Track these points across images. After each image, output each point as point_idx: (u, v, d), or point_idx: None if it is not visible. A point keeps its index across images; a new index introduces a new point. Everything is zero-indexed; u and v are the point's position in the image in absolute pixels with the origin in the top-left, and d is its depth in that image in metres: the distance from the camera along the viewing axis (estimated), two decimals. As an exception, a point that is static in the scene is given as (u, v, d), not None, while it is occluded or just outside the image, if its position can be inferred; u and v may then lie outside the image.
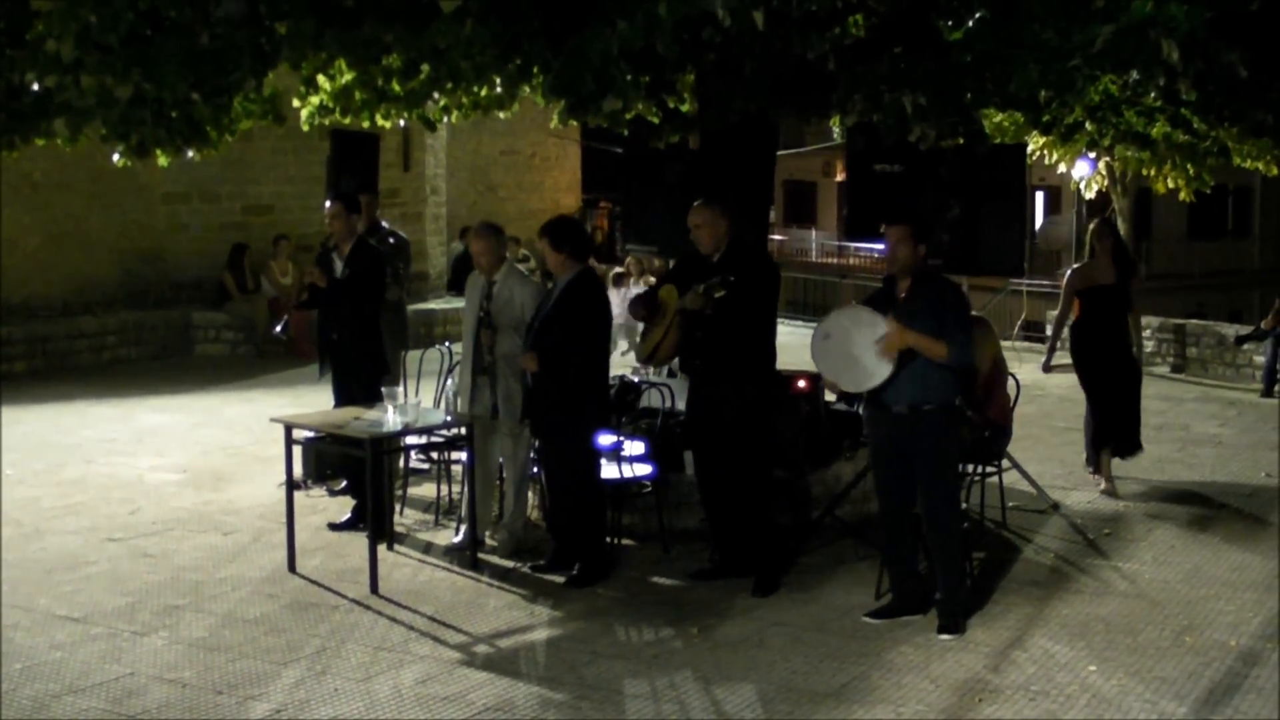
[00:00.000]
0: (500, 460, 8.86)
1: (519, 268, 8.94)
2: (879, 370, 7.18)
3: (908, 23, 8.30)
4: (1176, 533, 9.28)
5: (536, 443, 8.68)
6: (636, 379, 9.54)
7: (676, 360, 8.62)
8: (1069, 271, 11.08)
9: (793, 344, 16.87)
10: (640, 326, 8.82)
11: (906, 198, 8.85)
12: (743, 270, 7.80)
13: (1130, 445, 10.71)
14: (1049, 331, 19.92)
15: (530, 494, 9.38)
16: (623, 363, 15.12)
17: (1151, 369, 17.90)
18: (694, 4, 6.61)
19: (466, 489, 8.74)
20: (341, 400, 9.41)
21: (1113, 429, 10.55)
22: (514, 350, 8.47)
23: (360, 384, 9.12)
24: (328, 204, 9.59)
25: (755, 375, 7.98)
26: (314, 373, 9.96)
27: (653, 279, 17.28)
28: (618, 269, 20.23)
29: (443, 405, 9.31)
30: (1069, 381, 16.70)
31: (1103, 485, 10.42)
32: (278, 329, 13.00)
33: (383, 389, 8.31)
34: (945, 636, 7.20)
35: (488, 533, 8.86)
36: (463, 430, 8.66)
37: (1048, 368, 11.70)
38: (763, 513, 8.09)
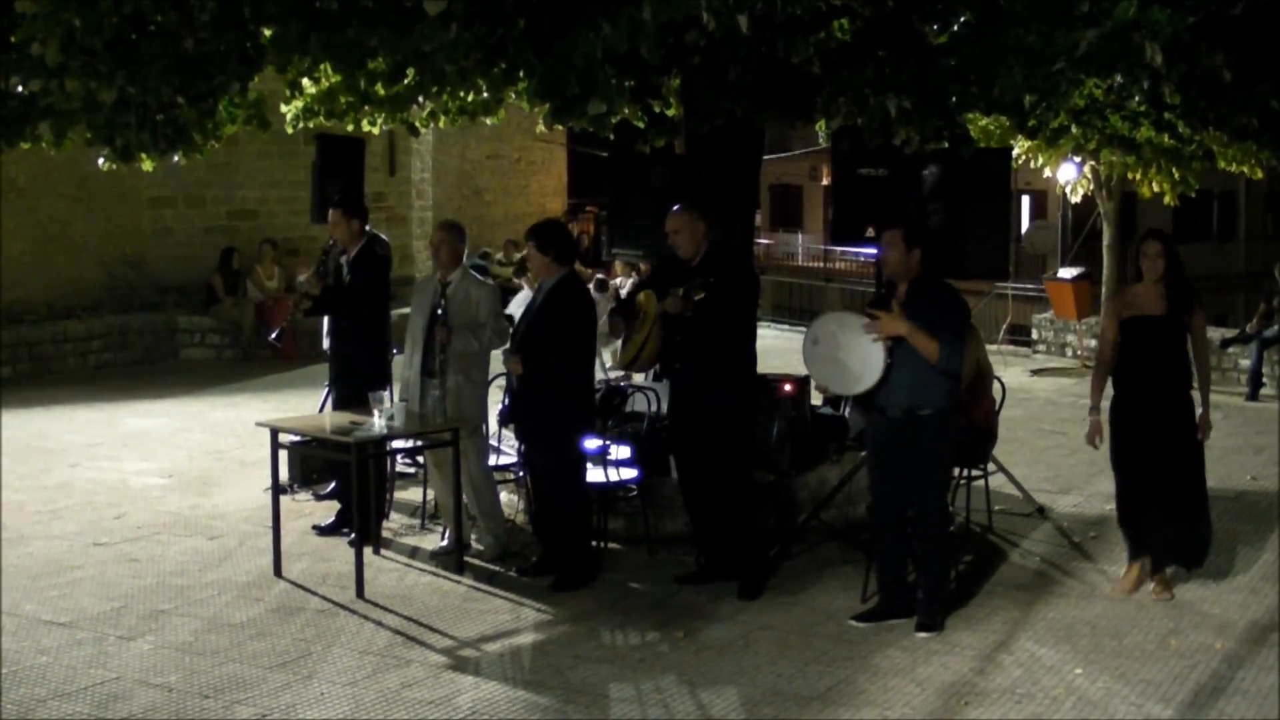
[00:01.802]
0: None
1: (471, 271, 8.97)
2: (869, 373, 7.22)
3: (892, 27, 8.32)
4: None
5: (521, 446, 8.70)
6: (623, 383, 9.54)
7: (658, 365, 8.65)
8: (1106, 299, 8.95)
9: (778, 347, 16.87)
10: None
11: (892, 201, 8.87)
12: (722, 274, 7.82)
13: (1189, 550, 8.06)
14: (1034, 335, 20.17)
15: (516, 497, 9.39)
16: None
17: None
18: (678, 8, 6.62)
19: (439, 494, 8.78)
20: (339, 405, 9.41)
21: (1150, 526, 7.97)
22: (466, 349, 8.52)
23: (360, 390, 9.10)
24: (329, 211, 9.62)
25: (735, 378, 7.99)
26: (299, 376, 9.96)
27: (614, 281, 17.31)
28: (599, 275, 20.24)
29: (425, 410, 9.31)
30: (1055, 385, 16.82)
31: (1153, 590, 7.97)
32: (273, 336, 12.99)
33: (369, 394, 8.31)
34: (922, 634, 7.26)
35: (473, 536, 8.86)
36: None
37: (1095, 416, 8.12)
38: (745, 516, 8.10)
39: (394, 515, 9.74)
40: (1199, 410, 7.85)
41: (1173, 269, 7.91)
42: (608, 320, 8.65)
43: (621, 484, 8.77)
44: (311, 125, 10.54)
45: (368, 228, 9.66)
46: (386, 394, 8.69)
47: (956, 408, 7.57)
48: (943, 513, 7.57)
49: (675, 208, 8.08)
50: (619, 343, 8.54)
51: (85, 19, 7.19)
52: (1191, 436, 7.87)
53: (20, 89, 7.81)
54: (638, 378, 9.53)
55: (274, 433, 8.48)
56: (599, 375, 9.82)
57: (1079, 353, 18.46)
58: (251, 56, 7.84)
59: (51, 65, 7.32)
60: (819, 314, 8.43)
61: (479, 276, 9.05)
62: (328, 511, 9.59)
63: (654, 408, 8.87)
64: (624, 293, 10.87)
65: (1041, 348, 19.72)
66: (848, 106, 8.23)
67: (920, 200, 8.91)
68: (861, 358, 7.22)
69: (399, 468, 10.20)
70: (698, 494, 8.20)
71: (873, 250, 9.68)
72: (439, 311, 8.61)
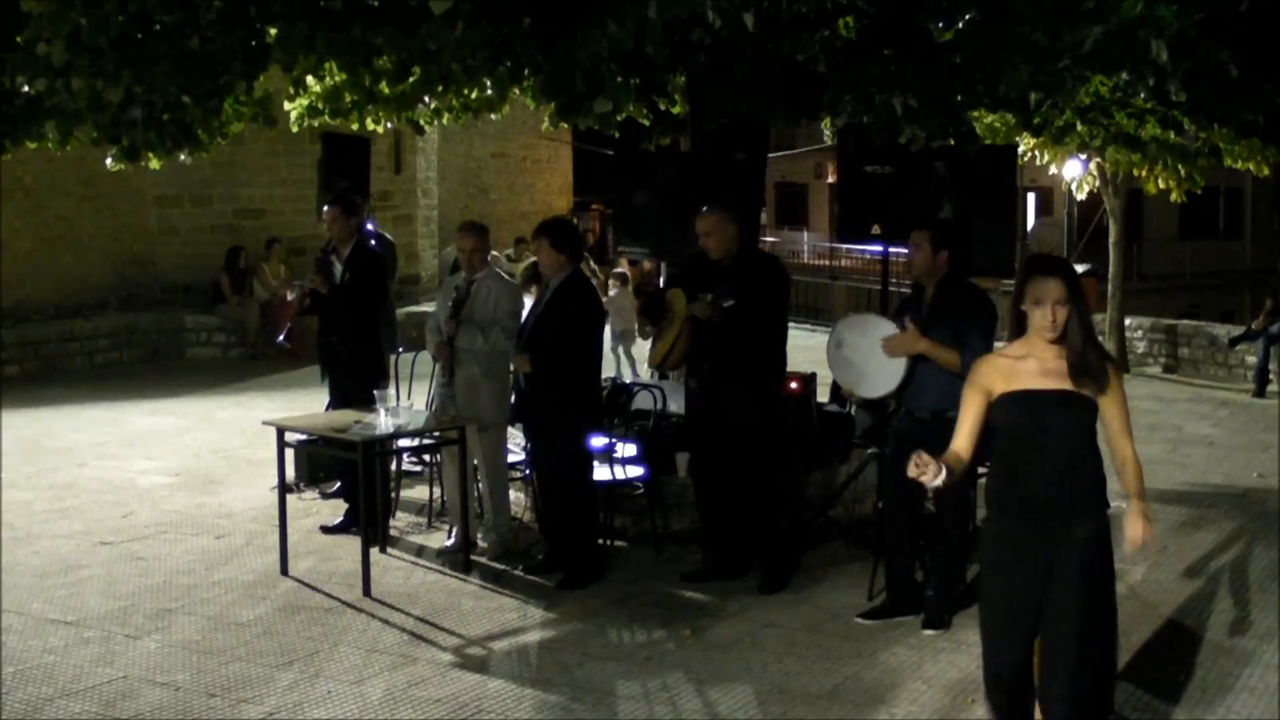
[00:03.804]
0: (475, 460, 8.83)
1: (497, 270, 8.95)
2: (891, 377, 7.22)
3: (898, 24, 8.32)
4: (1169, 533, 9.27)
5: (527, 444, 8.69)
6: (629, 381, 9.54)
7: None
8: (976, 363, 5.46)
9: (785, 345, 16.79)
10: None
11: (898, 199, 8.87)
12: (753, 277, 7.78)
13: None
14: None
15: (523, 495, 9.39)
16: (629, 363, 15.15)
17: (1144, 370, 17.93)
18: (684, 5, 6.62)
19: (449, 490, 8.77)
20: (337, 403, 9.41)
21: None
22: (470, 345, 8.50)
23: (357, 387, 9.11)
24: (325, 208, 9.61)
25: (766, 381, 7.96)
26: (305, 375, 9.95)
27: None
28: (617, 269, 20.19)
29: (435, 407, 9.31)
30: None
31: None
32: (280, 338, 12.98)
33: (375, 392, 8.31)
34: (929, 632, 7.25)
35: (479, 534, 8.86)
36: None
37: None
38: (771, 515, 8.08)
39: (400, 514, 9.75)
40: (1140, 524, 5.18)
41: (1079, 325, 4.94)
42: (637, 321, 8.60)
43: (628, 482, 8.76)
44: (317, 124, 10.54)
45: (371, 226, 9.65)
46: (392, 391, 8.69)
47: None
48: (964, 510, 7.56)
49: (705, 209, 7.95)
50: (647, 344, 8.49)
51: (91, 18, 7.21)
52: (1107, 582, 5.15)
53: (26, 88, 7.83)
54: (644, 375, 9.53)
55: (280, 431, 8.48)
56: (629, 376, 9.81)
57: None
58: (257, 55, 7.86)
59: (57, 64, 7.33)
60: (824, 311, 8.42)
61: (506, 276, 9.00)
62: (334, 510, 9.60)
63: (660, 406, 8.87)
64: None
65: (1047, 345, 19.60)
66: (853, 104, 8.22)
67: (926, 198, 8.90)
68: (882, 362, 7.23)
69: (405, 465, 10.20)
70: (712, 493, 8.18)
71: (878, 247, 9.70)
72: (461, 303, 8.54)
